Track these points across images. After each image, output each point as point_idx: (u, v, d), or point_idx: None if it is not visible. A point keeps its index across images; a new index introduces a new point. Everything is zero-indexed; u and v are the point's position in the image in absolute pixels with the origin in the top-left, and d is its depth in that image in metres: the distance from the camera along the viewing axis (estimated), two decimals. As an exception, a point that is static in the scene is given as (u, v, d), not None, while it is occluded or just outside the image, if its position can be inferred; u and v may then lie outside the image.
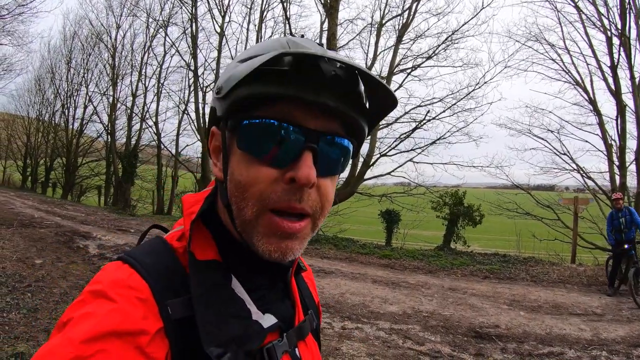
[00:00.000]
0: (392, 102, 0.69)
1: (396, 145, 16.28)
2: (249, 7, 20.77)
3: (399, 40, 16.05)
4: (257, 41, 19.63)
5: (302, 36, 0.71)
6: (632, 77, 13.94)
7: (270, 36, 20.67)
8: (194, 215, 0.68)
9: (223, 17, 20.91)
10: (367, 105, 0.68)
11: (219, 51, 21.25)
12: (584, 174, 16.02)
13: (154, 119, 25.65)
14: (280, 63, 0.59)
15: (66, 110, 31.82)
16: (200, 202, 0.72)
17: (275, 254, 0.65)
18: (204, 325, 0.60)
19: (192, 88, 22.96)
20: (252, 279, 0.71)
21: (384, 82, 0.64)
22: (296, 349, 0.75)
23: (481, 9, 15.32)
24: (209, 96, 20.27)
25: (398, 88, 16.41)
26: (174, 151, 25.70)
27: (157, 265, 0.64)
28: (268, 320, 0.70)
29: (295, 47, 0.64)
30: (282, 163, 0.63)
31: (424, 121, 15.87)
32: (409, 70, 16.45)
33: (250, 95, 0.61)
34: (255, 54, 0.64)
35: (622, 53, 14.11)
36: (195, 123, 22.34)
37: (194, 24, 21.56)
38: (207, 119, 0.77)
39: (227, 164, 0.67)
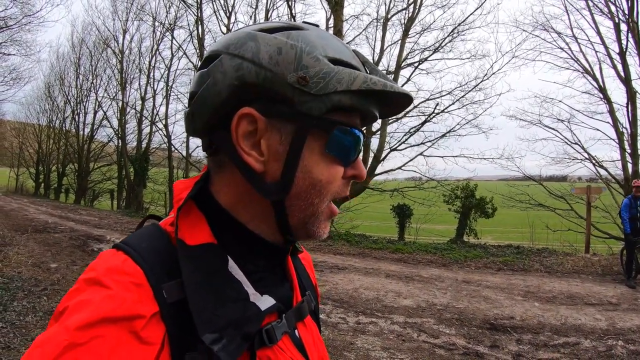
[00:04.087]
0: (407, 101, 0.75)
1: (406, 139, 16.26)
2: (254, 7, 20.78)
3: (405, 34, 15.96)
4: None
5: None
6: (642, 63, 13.76)
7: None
8: (182, 201, 0.68)
9: (229, 18, 20.95)
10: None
11: (226, 52, 21.12)
12: (596, 163, 15.76)
13: (163, 122, 25.75)
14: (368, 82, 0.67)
15: (76, 116, 32.28)
16: (189, 188, 0.71)
17: (324, 234, 0.74)
18: (197, 312, 0.59)
19: (200, 90, 23.01)
20: (250, 260, 0.71)
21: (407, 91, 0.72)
22: (296, 330, 0.75)
23: (485, -1, 15.19)
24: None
25: (406, 82, 16.37)
26: (184, 153, 25.74)
27: (151, 250, 0.64)
28: (267, 301, 0.69)
29: (366, 63, 0.72)
30: (348, 163, 0.72)
31: (433, 114, 15.83)
32: (416, 64, 16.36)
33: (352, 107, 0.67)
34: (342, 57, 0.67)
35: (631, 39, 13.89)
36: (205, 124, 22.36)
37: (200, 26, 21.61)
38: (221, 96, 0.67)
39: (297, 160, 0.67)
